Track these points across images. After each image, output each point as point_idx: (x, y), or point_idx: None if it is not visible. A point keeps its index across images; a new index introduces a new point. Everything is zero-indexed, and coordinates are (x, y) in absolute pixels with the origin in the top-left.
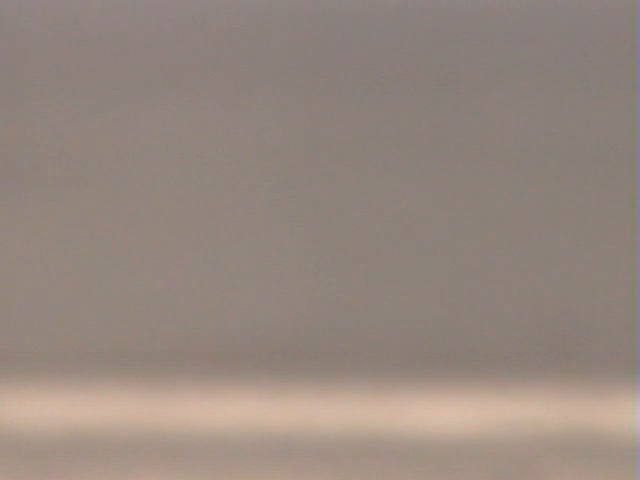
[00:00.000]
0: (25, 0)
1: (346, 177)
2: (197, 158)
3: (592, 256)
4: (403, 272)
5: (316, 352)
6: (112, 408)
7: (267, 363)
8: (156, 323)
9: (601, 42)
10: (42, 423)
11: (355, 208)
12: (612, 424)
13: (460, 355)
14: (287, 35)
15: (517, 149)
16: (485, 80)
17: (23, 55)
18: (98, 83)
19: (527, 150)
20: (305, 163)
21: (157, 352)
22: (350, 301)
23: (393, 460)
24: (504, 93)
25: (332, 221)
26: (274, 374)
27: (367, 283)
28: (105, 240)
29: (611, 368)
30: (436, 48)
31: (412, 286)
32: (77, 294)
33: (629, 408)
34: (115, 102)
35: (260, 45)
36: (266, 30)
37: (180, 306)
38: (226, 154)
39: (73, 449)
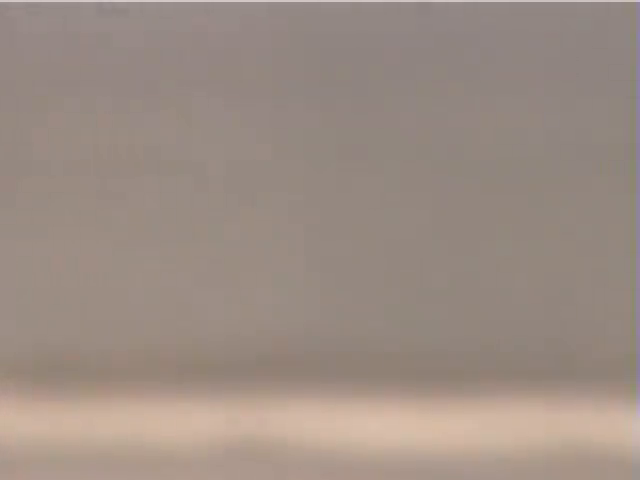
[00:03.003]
0: (26, 2)
1: (347, 180)
2: (201, 159)
3: (592, 261)
4: (400, 278)
5: (319, 361)
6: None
7: (263, 370)
8: (150, 331)
9: (601, 42)
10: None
11: (355, 211)
12: (610, 440)
13: (455, 370)
14: (285, 36)
15: (516, 150)
16: (483, 80)
17: (24, 56)
18: (97, 85)
19: (526, 151)
20: (303, 164)
21: (153, 359)
22: (343, 306)
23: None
24: (503, 93)
25: (333, 226)
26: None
27: (361, 287)
28: (102, 242)
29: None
30: (434, 48)
31: (409, 295)
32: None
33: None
34: (114, 104)
35: (260, 47)
36: (265, 32)
37: (178, 311)
38: (230, 156)
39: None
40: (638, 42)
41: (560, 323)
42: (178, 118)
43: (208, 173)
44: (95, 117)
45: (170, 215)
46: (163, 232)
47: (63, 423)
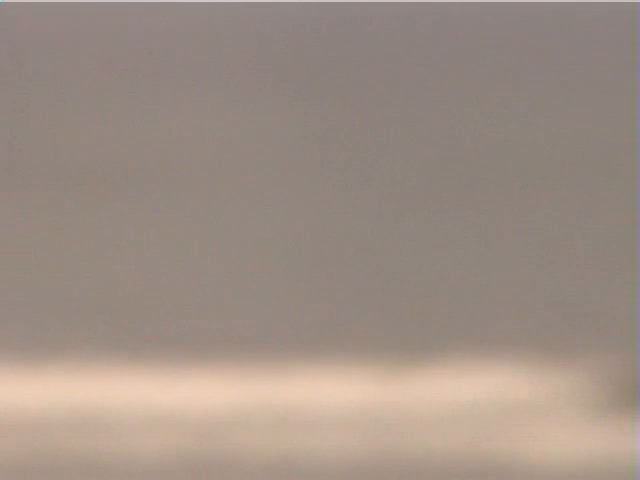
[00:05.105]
0: (28, 4)
1: (345, 180)
2: (199, 159)
3: (592, 265)
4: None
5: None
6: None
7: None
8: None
9: (601, 42)
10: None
11: (353, 210)
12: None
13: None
14: (287, 37)
15: (517, 151)
16: (483, 81)
17: (25, 57)
18: (100, 86)
19: (526, 152)
20: (304, 167)
21: (155, 344)
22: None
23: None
24: (503, 93)
25: (331, 228)
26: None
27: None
28: (103, 238)
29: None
30: (435, 48)
31: (405, 297)
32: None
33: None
34: (116, 105)
35: (260, 49)
36: (266, 35)
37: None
38: (229, 158)
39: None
40: (638, 42)
41: (560, 324)
42: (176, 119)
43: (208, 172)
44: (94, 116)
45: (173, 211)
46: (158, 229)
47: None
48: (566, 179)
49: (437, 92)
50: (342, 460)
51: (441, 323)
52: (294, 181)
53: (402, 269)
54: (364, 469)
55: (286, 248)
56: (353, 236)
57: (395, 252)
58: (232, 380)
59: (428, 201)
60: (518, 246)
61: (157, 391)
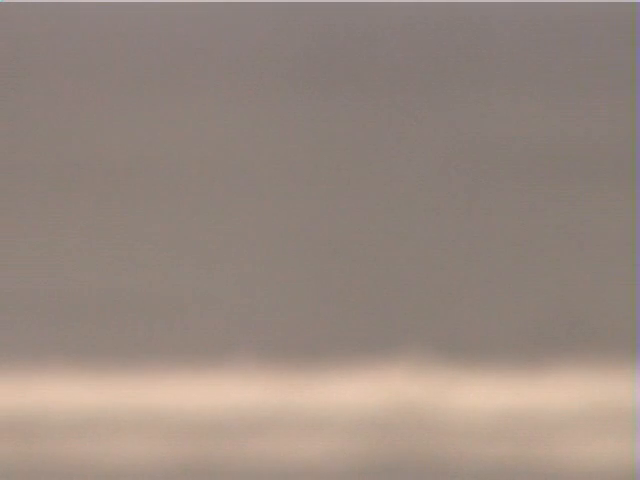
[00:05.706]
0: (28, 4)
1: (346, 181)
2: (199, 161)
3: (592, 263)
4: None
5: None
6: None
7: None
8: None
9: (601, 42)
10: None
11: (352, 210)
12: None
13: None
14: (288, 36)
15: (517, 151)
16: (484, 81)
17: (25, 57)
18: (100, 86)
19: (526, 153)
20: (306, 165)
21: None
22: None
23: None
24: (503, 93)
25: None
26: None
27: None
28: (107, 239)
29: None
30: (436, 48)
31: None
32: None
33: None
34: (116, 104)
35: (263, 49)
36: (268, 35)
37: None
38: (230, 157)
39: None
40: (638, 42)
41: (559, 323)
42: (177, 120)
43: (212, 172)
44: (95, 116)
45: (178, 211)
46: (160, 230)
47: None
48: (567, 178)
49: (440, 92)
50: (364, 463)
51: (462, 328)
52: (300, 181)
53: (419, 271)
54: (383, 472)
55: (302, 249)
56: (371, 237)
57: (415, 252)
58: (245, 382)
59: (441, 201)
60: (532, 248)
61: (167, 394)
